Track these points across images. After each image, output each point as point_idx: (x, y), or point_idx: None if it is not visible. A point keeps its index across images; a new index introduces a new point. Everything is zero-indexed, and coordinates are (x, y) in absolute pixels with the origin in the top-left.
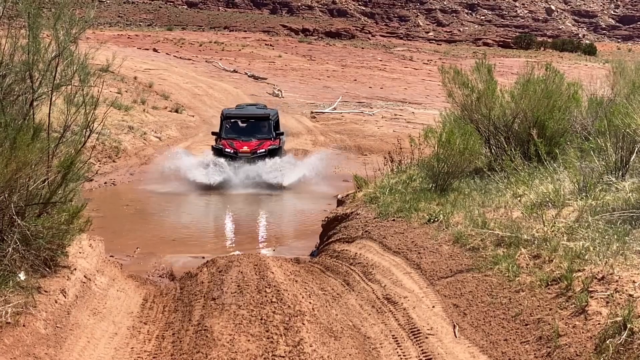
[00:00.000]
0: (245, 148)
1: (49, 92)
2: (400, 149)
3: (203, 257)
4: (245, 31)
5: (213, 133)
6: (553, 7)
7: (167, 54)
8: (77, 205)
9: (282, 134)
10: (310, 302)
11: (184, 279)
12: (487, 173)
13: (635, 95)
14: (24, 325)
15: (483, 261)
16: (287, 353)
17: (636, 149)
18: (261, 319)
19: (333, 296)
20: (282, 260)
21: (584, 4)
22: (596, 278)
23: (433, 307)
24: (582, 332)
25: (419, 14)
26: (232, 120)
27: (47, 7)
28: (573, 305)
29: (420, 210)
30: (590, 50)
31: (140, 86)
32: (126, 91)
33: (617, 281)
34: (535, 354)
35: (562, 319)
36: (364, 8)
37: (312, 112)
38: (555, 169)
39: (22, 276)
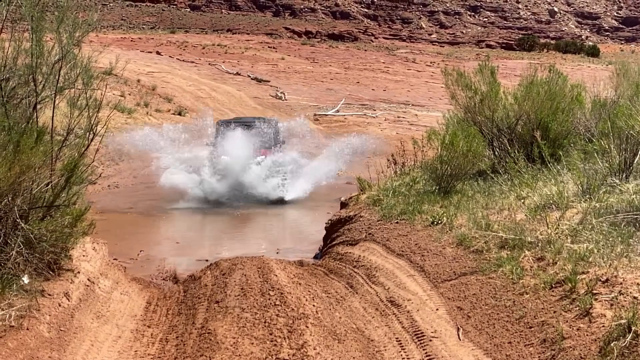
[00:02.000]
0: None
1: (53, 95)
2: (404, 151)
3: (207, 260)
4: (248, 34)
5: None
6: (556, 9)
7: (170, 56)
8: (81, 209)
9: (283, 142)
10: (314, 305)
11: (187, 282)
12: (491, 175)
13: (639, 97)
14: (27, 329)
15: (487, 263)
16: (291, 356)
17: None
18: (265, 322)
19: (337, 299)
20: (285, 263)
21: (587, 6)
22: (600, 280)
23: (437, 309)
24: (587, 335)
25: (421, 16)
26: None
27: (50, 11)
28: (577, 308)
29: (424, 213)
30: (594, 52)
31: (143, 89)
32: (129, 94)
33: (621, 283)
34: (539, 356)
35: (566, 321)
36: (366, 10)
37: (315, 115)
38: (558, 171)
39: (25, 279)
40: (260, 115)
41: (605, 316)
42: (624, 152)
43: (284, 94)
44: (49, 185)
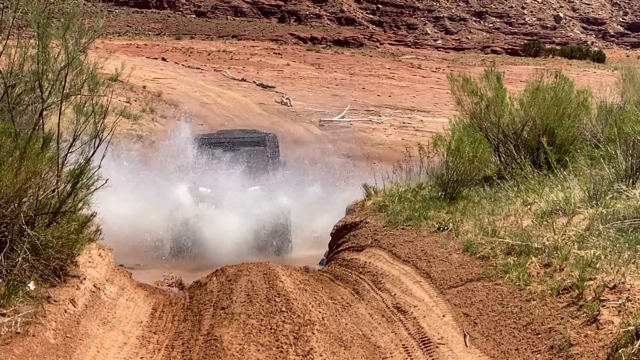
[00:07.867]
0: None
1: (59, 101)
2: (409, 157)
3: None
4: (253, 40)
5: None
6: (561, 15)
7: (175, 63)
8: (87, 215)
9: (283, 164)
10: (319, 311)
11: (193, 288)
12: (497, 181)
13: None
14: (33, 335)
15: (493, 270)
16: None
17: None
18: (271, 329)
19: (343, 305)
20: (291, 269)
21: (593, 11)
22: (608, 287)
23: (443, 316)
24: (594, 342)
25: (427, 22)
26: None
27: (56, 17)
28: (584, 314)
29: (430, 219)
30: (599, 58)
31: (149, 95)
32: (135, 100)
33: (629, 290)
34: None
35: (574, 328)
36: (372, 16)
37: (320, 121)
38: (565, 177)
39: (31, 286)
40: (255, 128)
41: (612, 323)
42: (630, 158)
43: (289, 99)
44: (55, 192)
